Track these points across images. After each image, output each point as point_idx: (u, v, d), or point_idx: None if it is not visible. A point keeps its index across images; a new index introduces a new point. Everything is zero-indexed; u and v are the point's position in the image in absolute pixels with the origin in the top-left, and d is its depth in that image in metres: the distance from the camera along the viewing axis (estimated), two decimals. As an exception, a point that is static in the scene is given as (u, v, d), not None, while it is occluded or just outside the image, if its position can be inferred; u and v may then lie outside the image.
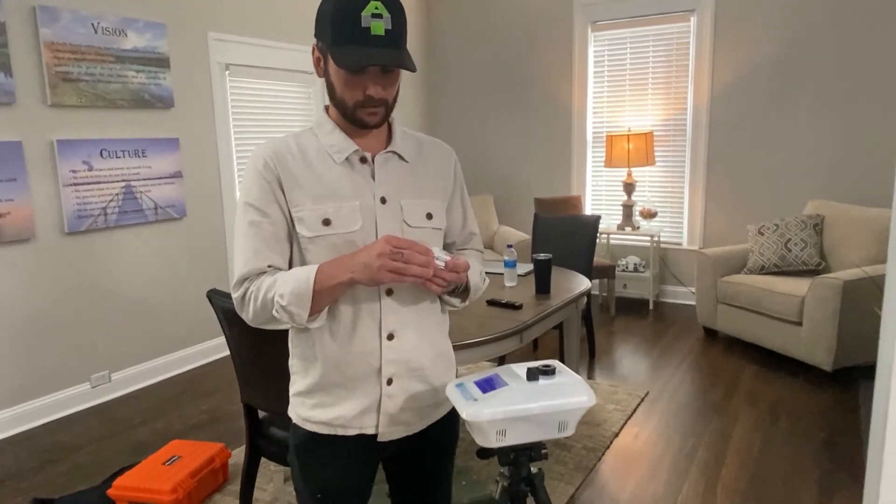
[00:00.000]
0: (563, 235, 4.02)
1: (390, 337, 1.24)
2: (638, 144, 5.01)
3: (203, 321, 4.25)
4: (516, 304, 2.69)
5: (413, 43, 6.01)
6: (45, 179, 3.33)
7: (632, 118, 5.36)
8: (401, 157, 1.29)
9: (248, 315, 1.22)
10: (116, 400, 3.68)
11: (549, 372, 1.10)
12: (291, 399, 1.33)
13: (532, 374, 1.09)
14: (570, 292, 2.96)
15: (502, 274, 3.26)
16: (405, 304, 1.26)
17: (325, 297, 1.16)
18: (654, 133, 5.24)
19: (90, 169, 3.50)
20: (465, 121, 6.15)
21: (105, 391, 3.69)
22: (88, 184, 3.50)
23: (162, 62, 3.83)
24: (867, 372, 3.74)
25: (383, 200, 1.24)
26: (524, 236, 5.26)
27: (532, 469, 1.14)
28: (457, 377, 1.24)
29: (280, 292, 1.15)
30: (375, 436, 1.28)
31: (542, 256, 2.92)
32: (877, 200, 4.48)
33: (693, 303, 5.29)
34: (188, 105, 4.04)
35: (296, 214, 1.21)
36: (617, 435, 3.08)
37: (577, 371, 3.25)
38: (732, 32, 4.84)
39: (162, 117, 3.89)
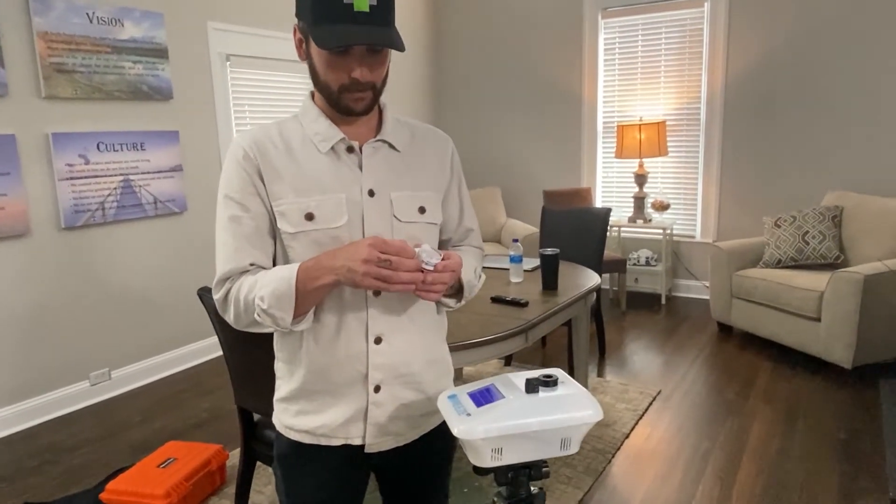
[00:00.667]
0: (573, 229, 3.90)
1: (378, 340, 1.15)
2: (650, 134, 4.87)
3: (205, 317, 4.18)
4: (522, 302, 2.59)
5: (419, 31, 5.88)
6: (39, 173, 3.25)
7: (643, 107, 5.21)
8: (391, 146, 1.19)
9: (231, 318, 1.14)
10: (116, 398, 3.62)
11: (550, 383, 0.99)
12: (275, 405, 1.25)
13: (531, 386, 0.99)
14: (579, 289, 2.85)
15: (508, 269, 3.16)
16: (395, 304, 1.16)
17: (308, 299, 1.07)
18: (667, 123, 5.09)
19: (87, 162, 3.42)
20: (471, 111, 6.02)
21: (105, 389, 3.62)
22: (85, 178, 3.42)
23: (160, 53, 3.74)
24: (889, 369, 3.61)
25: (371, 193, 1.14)
26: (533, 229, 5.15)
27: (532, 489, 1.04)
28: (458, 379, 1.14)
29: (260, 294, 1.06)
30: (363, 447, 1.19)
31: (548, 251, 2.81)
32: (899, 191, 4.34)
33: (707, 297, 5.16)
34: (188, 97, 3.95)
35: (277, 209, 1.12)
36: (628, 436, 2.97)
37: (586, 369, 3.15)
38: (748, 18, 4.68)
39: (161, 109, 3.80)
